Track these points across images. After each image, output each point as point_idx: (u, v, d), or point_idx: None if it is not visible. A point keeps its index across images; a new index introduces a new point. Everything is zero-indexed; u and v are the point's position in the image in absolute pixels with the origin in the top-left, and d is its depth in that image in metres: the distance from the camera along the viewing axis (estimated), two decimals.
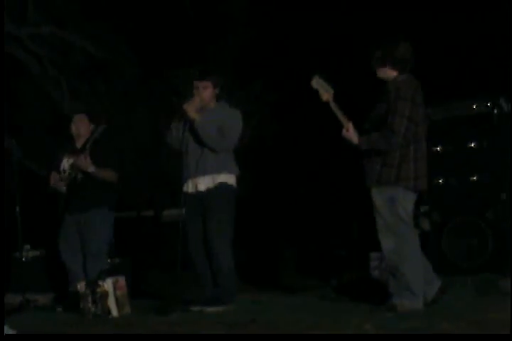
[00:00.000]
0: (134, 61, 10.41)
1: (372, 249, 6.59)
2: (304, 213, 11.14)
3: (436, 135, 6.69)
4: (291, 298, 5.73)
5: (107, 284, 5.09)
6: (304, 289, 6.67)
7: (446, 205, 7.26)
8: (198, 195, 5.17)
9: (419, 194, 4.69)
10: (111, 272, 5.46)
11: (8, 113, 9.03)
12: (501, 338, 3.33)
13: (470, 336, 3.41)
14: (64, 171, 5.87)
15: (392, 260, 4.55)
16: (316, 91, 4.63)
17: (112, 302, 5.06)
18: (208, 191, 5.14)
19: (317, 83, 4.63)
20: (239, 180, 5.28)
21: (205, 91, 5.24)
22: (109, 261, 6.14)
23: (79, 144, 5.96)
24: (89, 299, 5.10)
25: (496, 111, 7.16)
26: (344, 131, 4.60)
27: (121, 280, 5.20)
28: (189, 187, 5.23)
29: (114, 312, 5.06)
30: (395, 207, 4.52)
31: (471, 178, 7.22)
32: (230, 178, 5.21)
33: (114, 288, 5.11)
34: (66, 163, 5.88)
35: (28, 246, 6.88)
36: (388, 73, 4.62)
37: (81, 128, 5.95)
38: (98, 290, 5.09)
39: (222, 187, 5.14)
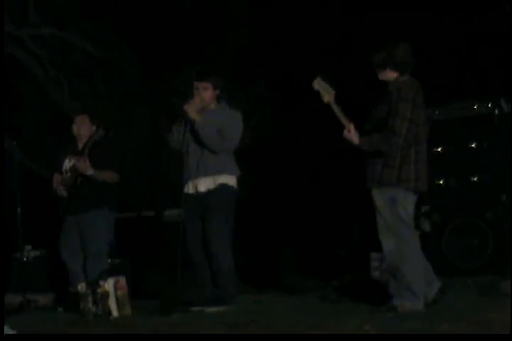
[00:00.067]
0: (135, 61, 10.41)
1: (372, 249, 6.60)
2: (304, 213, 11.13)
3: (436, 136, 6.69)
4: (292, 299, 5.73)
5: (108, 284, 5.10)
6: (304, 289, 6.67)
7: (446, 206, 7.26)
8: (198, 196, 5.17)
9: (420, 195, 4.69)
10: (111, 272, 5.46)
11: (9, 113, 9.04)
12: (501, 338, 3.34)
13: (470, 336, 3.41)
14: (66, 172, 5.88)
15: (392, 261, 4.56)
16: (317, 93, 4.64)
17: (112, 303, 5.07)
18: (208, 192, 5.15)
19: (319, 84, 4.63)
20: (239, 180, 5.28)
21: (206, 92, 5.24)
22: (109, 261, 6.14)
23: (80, 145, 5.96)
24: (90, 299, 5.11)
25: (496, 112, 7.16)
26: (345, 132, 4.60)
27: (122, 281, 5.20)
28: (189, 188, 5.23)
29: (115, 312, 5.06)
30: (396, 207, 4.52)
31: (472, 179, 7.22)
32: (230, 179, 5.21)
33: (115, 289, 5.11)
34: (68, 164, 5.89)
35: (29, 247, 6.90)
36: (389, 75, 4.63)
37: (82, 129, 5.96)
38: (99, 290, 5.09)
39: (222, 188, 5.15)
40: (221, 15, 10.90)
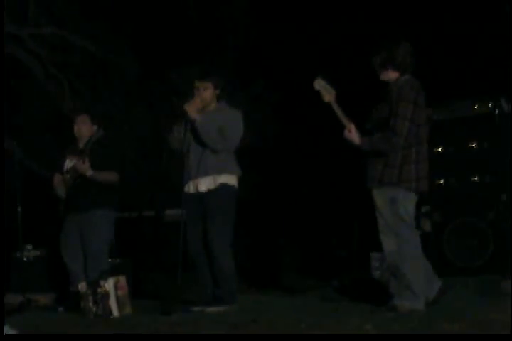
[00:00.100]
0: (135, 61, 10.40)
1: (372, 249, 6.60)
2: (304, 213, 11.14)
3: (437, 135, 6.69)
4: (292, 298, 5.74)
5: (108, 284, 5.10)
6: (305, 289, 6.68)
7: (447, 206, 7.27)
8: (199, 196, 5.17)
9: (420, 194, 4.70)
10: (112, 272, 5.46)
11: (9, 113, 9.04)
12: (501, 338, 3.34)
13: (470, 336, 3.42)
14: (67, 172, 5.88)
15: (393, 260, 4.56)
16: (318, 93, 4.64)
17: (113, 303, 5.07)
18: (209, 192, 5.15)
19: (319, 84, 4.63)
20: (240, 180, 5.29)
21: (206, 92, 5.24)
22: (109, 261, 6.14)
23: (81, 145, 5.96)
24: (91, 299, 5.11)
25: (497, 112, 7.17)
26: (346, 131, 4.61)
27: (122, 281, 5.20)
28: (190, 188, 5.23)
29: (115, 312, 5.06)
30: (396, 207, 4.53)
31: (472, 179, 7.22)
32: (231, 179, 5.21)
33: (115, 288, 5.11)
34: (69, 164, 5.90)
35: (29, 246, 6.90)
36: (390, 75, 4.63)
37: (83, 128, 5.96)
38: (99, 290, 5.09)
39: (222, 188, 5.14)
40: (222, 15, 10.90)
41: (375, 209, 4.65)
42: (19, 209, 6.41)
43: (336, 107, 4.61)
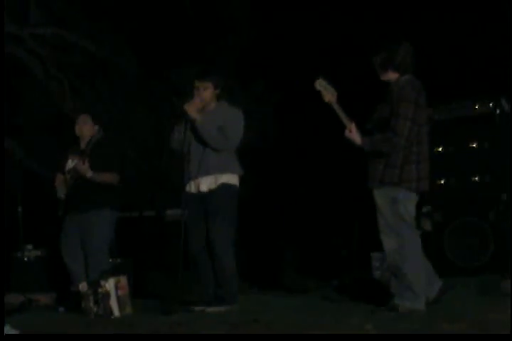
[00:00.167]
0: (135, 61, 10.40)
1: (373, 249, 6.60)
2: (305, 213, 11.14)
3: (438, 135, 6.70)
4: (292, 298, 5.74)
5: (109, 284, 5.10)
6: (305, 289, 6.68)
7: (447, 206, 7.27)
8: (200, 196, 5.17)
9: (421, 194, 4.70)
10: (113, 272, 5.47)
11: (10, 113, 9.05)
12: (501, 338, 3.34)
13: (470, 336, 3.42)
14: (68, 172, 5.89)
15: (394, 260, 4.56)
16: (319, 93, 4.64)
17: (113, 303, 5.07)
18: (210, 191, 5.15)
19: (320, 85, 4.64)
20: (240, 180, 5.28)
21: (206, 92, 5.24)
22: (110, 261, 6.15)
23: (83, 145, 5.97)
24: (91, 299, 5.11)
25: (497, 112, 7.17)
26: (347, 131, 4.61)
27: (123, 280, 5.20)
28: (191, 188, 5.23)
29: (116, 312, 5.07)
30: (397, 207, 4.53)
31: (473, 179, 7.22)
32: (232, 178, 5.21)
33: (116, 288, 5.11)
34: (71, 164, 5.90)
35: (29, 246, 6.90)
36: (391, 76, 4.64)
37: (84, 129, 5.96)
38: (100, 290, 5.09)
39: (224, 187, 5.14)
40: (222, 15, 10.90)
41: (375, 209, 4.65)
42: (20, 209, 6.41)
43: (337, 107, 4.61)
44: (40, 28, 9.62)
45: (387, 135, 4.49)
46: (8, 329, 3.95)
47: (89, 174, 5.69)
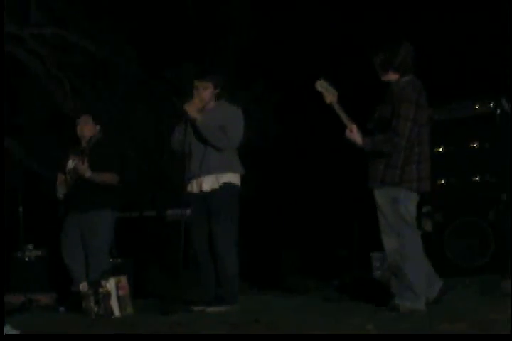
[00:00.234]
0: (135, 61, 10.41)
1: (373, 249, 6.60)
2: (305, 213, 11.14)
3: (438, 135, 6.69)
4: (293, 298, 5.73)
5: (110, 284, 5.11)
6: (306, 289, 6.68)
7: (448, 206, 7.26)
8: (203, 195, 5.17)
9: (422, 194, 4.70)
10: (113, 272, 5.47)
11: (10, 113, 9.05)
12: (501, 338, 3.34)
13: (471, 336, 3.42)
14: (69, 172, 5.89)
15: (394, 260, 4.56)
16: (320, 93, 4.64)
17: (114, 303, 5.08)
18: (213, 191, 5.15)
19: (322, 86, 4.64)
20: (241, 179, 5.29)
21: (205, 92, 5.24)
22: (111, 261, 6.15)
23: (84, 145, 5.97)
24: (92, 299, 5.12)
25: (498, 112, 7.17)
26: (348, 132, 4.61)
27: (124, 280, 5.21)
28: (193, 188, 5.23)
29: (117, 312, 5.07)
30: (398, 207, 4.53)
31: (473, 179, 7.22)
32: (234, 178, 5.21)
33: (117, 288, 5.12)
34: (71, 164, 5.91)
35: (30, 246, 6.90)
36: (391, 76, 4.63)
37: (85, 129, 5.96)
38: (100, 290, 5.10)
39: (226, 187, 5.14)
40: (222, 15, 10.91)
41: (376, 208, 4.65)
42: (20, 209, 6.41)
43: (337, 108, 4.61)
44: (41, 28, 9.62)
45: (388, 135, 4.49)
46: (8, 330, 3.95)
47: (89, 174, 5.69)
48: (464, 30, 10.20)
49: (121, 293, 5.13)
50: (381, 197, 4.60)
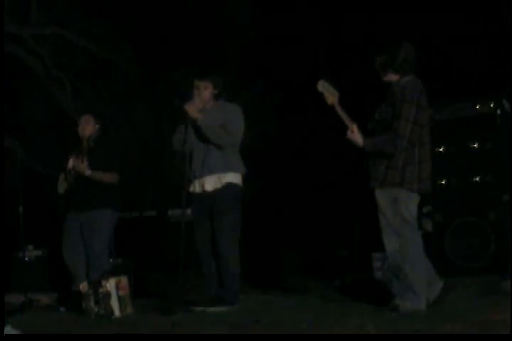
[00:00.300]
0: (136, 61, 10.41)
1: (374, 249, 6.60)
2: (306, 213, 11.14)
3: (439, 136, 6.69)
4: (294, 299, 5.73)
5: (110, 284, 5.10)
6: (307, 290, 6.67)
7: (448, 206, 7.26)
8: (205, 195, 5.17)
9: (422, 195, 4.70)
10: (113, 272, 5.47)
11: (10, 113, 9.05)
12: (501, 338, 3.34)
13: (471, 336, 3.42)
14: (69, 172, 5.89)
15: (395, 260, 4.56)
16: (320, 94, 4.64)
17: (114, 303, 5.07)
18: (215, 191, 5.14)
19: (323, 86, 4.64)
20: (244, 179, 5.29)
21: (206, 92, 5.25)
22: (111, 261, 6.15)
23: (85, 145, 5.98)
24: (92, 299, 5.11)
25: (498, 112, 7.16)
26: (349, 132, 4.61)
27: (124, 281, 5.21)
28: (196, 188, 5.23)
29: (117, 312, 5.07)
30: (399, 207, 4.53)
31: (474, 179, 7.22)
32: (236, 177, 5.21)
33: (117, 288, 5.12)
34: (72, 164, 5.91)
35: (30, 246, 6.90)
36: (392, 77, 4.63)
37: (86, 129, 5.96)
38: (101, 290, 5.10)
39: (228, 187, 5.14)
40: (223, 15, 10.91)
41: (376, 209, 4.65)
42: (20, 209, 6.41)
43: (339, 109, 4.62)
44: (41, 28, 9.63)
45: (390, 136, 4.49)
46: (8, 330, 3.95)
47: (88, 173, 5.70)
48: (464, 31, 10.19)
49: (121, 293, 5.13)
50: (382, 197, 4.59)
